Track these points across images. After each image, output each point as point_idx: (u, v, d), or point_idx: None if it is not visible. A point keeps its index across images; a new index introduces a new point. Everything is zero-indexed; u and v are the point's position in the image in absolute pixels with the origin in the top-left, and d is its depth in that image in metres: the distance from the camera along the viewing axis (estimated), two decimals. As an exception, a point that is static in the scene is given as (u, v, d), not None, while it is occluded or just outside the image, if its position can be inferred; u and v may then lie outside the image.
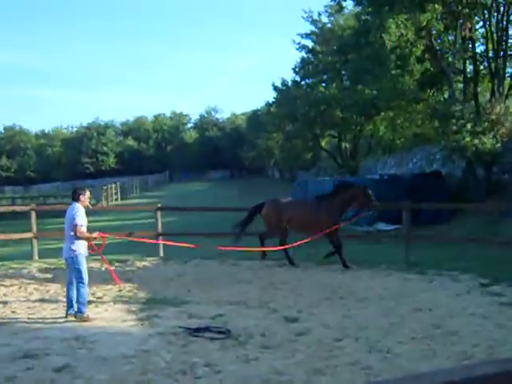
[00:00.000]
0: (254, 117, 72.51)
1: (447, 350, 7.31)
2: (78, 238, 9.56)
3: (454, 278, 11.99)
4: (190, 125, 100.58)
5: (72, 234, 9.54)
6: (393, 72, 26.20)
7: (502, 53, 24.48)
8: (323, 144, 47.66)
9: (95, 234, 9.96)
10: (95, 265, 14.61)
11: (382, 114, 31.97)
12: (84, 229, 9.64)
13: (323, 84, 40.88)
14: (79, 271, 9.56)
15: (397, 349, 7.44)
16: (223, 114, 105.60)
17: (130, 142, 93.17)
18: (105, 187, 50.29)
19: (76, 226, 9.49)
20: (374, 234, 21.35)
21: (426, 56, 26.94)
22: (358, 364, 6.93)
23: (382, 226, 22.00)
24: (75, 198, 9.79)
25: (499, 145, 21.65)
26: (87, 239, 9.78)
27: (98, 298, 11.25)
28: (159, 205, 17.64)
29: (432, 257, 14.73)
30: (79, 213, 9.58)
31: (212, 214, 26.31)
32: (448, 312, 9.23)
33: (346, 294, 11.16)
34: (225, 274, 13.71)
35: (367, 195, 14.14)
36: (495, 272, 12.02)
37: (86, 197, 9.86)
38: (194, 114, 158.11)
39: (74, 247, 9.55)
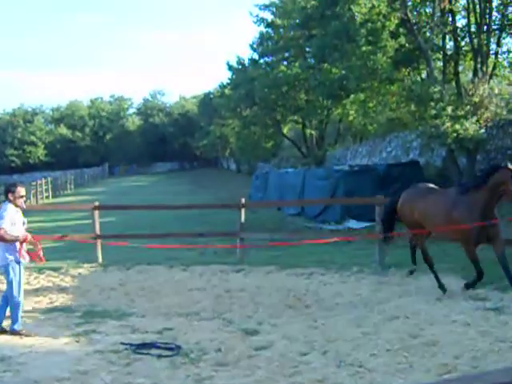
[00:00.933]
0: (206, 100, 72.40)
1: (426, 363, 7.40)
2: (14, 243, 9.44)
3: (433, 281, 12.15)
4: (132, 110, 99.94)
5: None
6: (363, 49, 26.38)
7: (485, 27, 24.84)
8: (285, 131, 47.90)
9: (24, 237, 9.73)
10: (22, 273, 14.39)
11: (352, 96, 32.20)
12: (15, 232, 9.46)
13: (284, 62, 41.05)
14: (13, 281, 9.45)
15: (370, 362, 7.51)
16: (170, 98, 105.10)
17: (63, 130, 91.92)
18: (33, 183, 49.51)
19: None
20: (343, 232, 21.53)
21: (401, 31, 27.19)
22: (326, 380, 6.98)
23: (352, 223, 22.20)
24: (6, 196, 9.69)
25: (483, 130, 22.00)
26: (15, 242, 9.63)
27: (26, 311, 11.08)
28: (97, 203, 17.48)
29: (409, 258, 14.90)
30: (4, 213, 9.42)
31: (158, 212, 26.19)
32: (427, 319, 9.34)
33: (313, 301, 11.23)
34: (174, 281, 13.67)
35: None
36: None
37: (16, 194, 9.67)
38: (137, 97, 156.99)
39: (8, 254, 9.43)
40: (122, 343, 8.66)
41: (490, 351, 7.62)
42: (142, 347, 8.45)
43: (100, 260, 16.33)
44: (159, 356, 8.11)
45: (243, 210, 16.75)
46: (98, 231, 16.81)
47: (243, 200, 17.31)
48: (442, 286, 11.40)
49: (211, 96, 69.45)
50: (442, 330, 8.67)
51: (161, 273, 14.70)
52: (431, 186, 12.49)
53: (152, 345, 8.53)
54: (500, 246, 10.70)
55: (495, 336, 8.22)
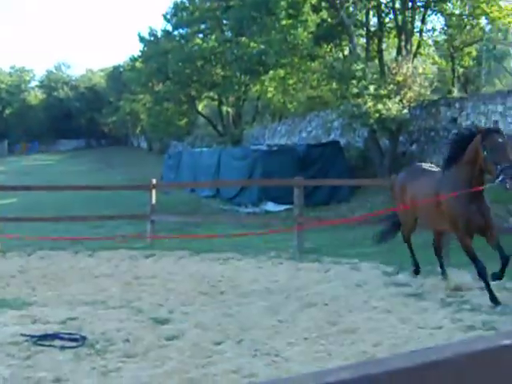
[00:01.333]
0: (115, 74, 71.63)
1: (345, 351, 7.54)
2: None
3: (353, 266, 12.38)
4: (34, 83, 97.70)
5: None
6: (283, 22, 26.53)
7: (410, 3, 25.31)
8: (200, 108, 47.77)
9: None
10: None
11: (271, 72, 32.37)
12: None
13: (200, 35, 40.80)
14: None
15: (286, 351, 7.59)
16: (76, 71, 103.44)
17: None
18: None
19: None
20: (260, 215, 21.67)
21: (323, 4, 27.44)
22: (240, 371, 7.02)
23: (270, 206, 22.38)
24: None
25: (406, 111, 22.46)
26: None
27: None
28: (-6, 183, 17.08)
29: (329, 242, 15.14)
30: None
31: (63, 194, 25.77)
32: (346, 306, 9.51)
33: (227, 288, 11.26)
34: (78, 267, 13.49)
35: (490, 150, 8.94)
36: (400, 259, 12.48)
37: None
38: (40, 69, 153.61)
39: None
40: (22, 334, 8.49)
41: (410, 338, 7.82)
42: (43, 338, 8.30)
43: (-3, 245, 15.97)
44: (62, 347, 7.99)
45: (154, 192, 16.67)
46: (-5, 213, 16.42)
47: (154, 181, 17.22)
48: (416, 265, 11.19)
49: (121, 69, 68.60)
50: (361, 317, 8.84)
51: (65, 259, 14.49)
52: (429, 165, 11.43)
53: (55, 336, 8.38)
54: (493, 236, 9.35)
55: (415, 322, 8.44)
